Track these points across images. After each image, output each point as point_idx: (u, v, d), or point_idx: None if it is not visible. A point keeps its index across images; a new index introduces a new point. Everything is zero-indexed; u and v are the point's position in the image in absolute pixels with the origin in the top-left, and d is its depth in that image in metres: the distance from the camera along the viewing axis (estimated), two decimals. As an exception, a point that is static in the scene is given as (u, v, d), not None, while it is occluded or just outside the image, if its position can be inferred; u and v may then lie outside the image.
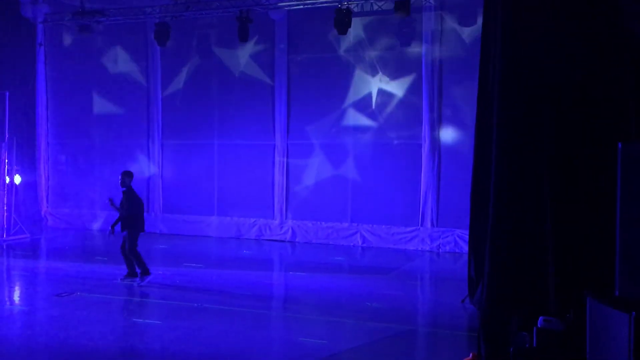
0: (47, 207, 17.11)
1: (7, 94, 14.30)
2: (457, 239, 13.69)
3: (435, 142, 14.08)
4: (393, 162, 14.48)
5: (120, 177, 10.09)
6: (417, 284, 11.56)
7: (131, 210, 9.95)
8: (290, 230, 15.12)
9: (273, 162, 15.29)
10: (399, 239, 14.31)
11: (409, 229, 14.29)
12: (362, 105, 14.64)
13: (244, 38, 14.08)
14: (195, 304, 8.94)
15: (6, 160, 14.40)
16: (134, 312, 9.11)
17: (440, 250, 13.98)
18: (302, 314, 8.69)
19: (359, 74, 14.64)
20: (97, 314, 8.59)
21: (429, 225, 14.15)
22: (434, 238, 14.09)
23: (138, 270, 10.08)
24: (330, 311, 8.69)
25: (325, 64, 14.87)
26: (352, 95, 14.70)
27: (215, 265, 12.07)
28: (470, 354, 5.83)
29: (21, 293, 10.15)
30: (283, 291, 10.66)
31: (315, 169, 15.04)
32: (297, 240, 15.01)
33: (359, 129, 14.69)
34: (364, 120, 14.65)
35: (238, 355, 6.86)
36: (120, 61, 16.44)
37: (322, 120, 14.91)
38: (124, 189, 10.01)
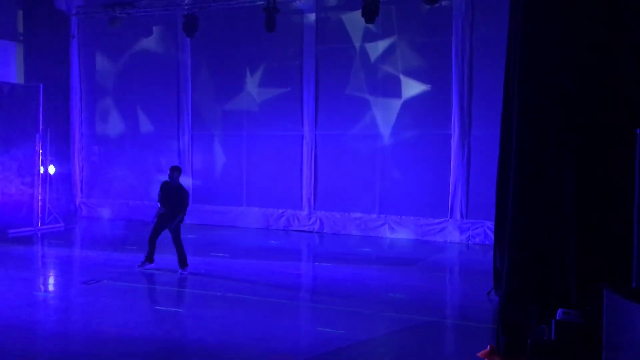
0: (81, 197, 17.47)
1: (41, 86, 14.61)
2: (487, 230, 13.46)
3: (465, 132, 13.86)
4: (422, 153, 14.32)
5: (170, 172, 10.17)
6: (443, 275, 11.43)
7: (181, 211, 10.11)
8: (318, 221, 15.12)
9: (301, 153, 15.29)
10: (427, 231, 14.16)
11: (437, 220, 14.13)
12: (391, 95, 14.49)
13: (271, 28, 14.07)
14: (219, 293, 9.00)
15: (40, 151, 14.72)
16: (157, 299, 9.24)
17: (469, 242, 13.79)
18: (324, 304, 8.68)
19: (387, 64, 14.49)
20: (122, 301, 8.73)
21: (458, 216, 13.96)
22: (463, 230, 13.89)
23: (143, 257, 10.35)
24: (353, 302, 8.65)
25: (354, 54, 14.77)
26: (381, 86, 14.57)
27: (242, 255, 12.14)
28: (488, 346, 5.72)
29: (52, 280, 10.39)
30: (308, 281, 10.66)
31: (343, 160, 14.97)
32: (324, 231, 15.00)
33: (387, 120, 14.55)
34: (393, 111, 14.50)
35: (255, 343, 6.88)
36: (149, 52, 16.63)
37: (350, 111, 14.81)
38: (174, 184, 10.12)
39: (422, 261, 11.94)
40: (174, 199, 10.10)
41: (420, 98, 14.30)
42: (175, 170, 10.18)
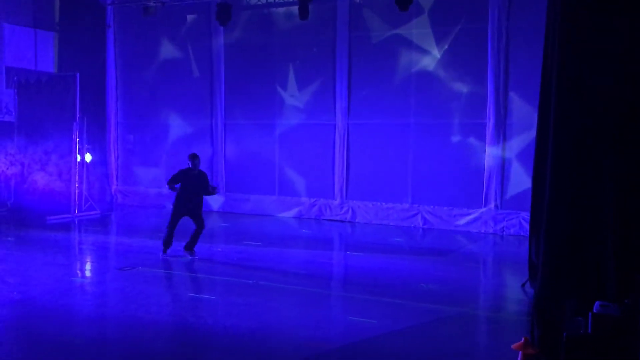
0: (116, 185, 17.75)
1: (78, 75, 14.83)
2: (523, 221, 13.25)
3: (500, 121, 13.63)
4: (456, 142, 14.15)
5: (192, 159, 10.26)
6: (476, 266, 11.30)
7: (207, 194, 10.28)
8: (350, 211, 15.08)
9: (333, 142, 15.24)
10: (460, 221, 14.00)
11: (471, 210, 13.96)
12: (425, 83, 14.32)
13: (304, 16, 14.00)
14: (251, 281, 9.05)
15: (77, 139, 14.98)
16: (190, 286, 9.33)
17: (504, 233, 13.59)
18: (355, 294, 8.66)
19: (421, 52, 14.32)
20: (156, 288, 8.86)
21: (492, 207, 13.77)
22: (497, 220, 13.70)
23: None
24: (384, 292, 8.61)
25: (387, 42, 14.62)
26: (415, 74, 14.40)
27: (275, 244, 12.19)
28: (522, 339, 5.63)
29: (88, 266, 10.59)
30: (339, 271, 10.65)
31: (375, 149, 14.88)
32: (356, 220, 14.96)
33: (420, 108, 14.40)
34: (426, 99, 14.34)
35: (287, 331, 6.90)
36: (183, 41, 16.74)
37: (383, 100, 14.69)
38: (195, 170, 10.20)
39: (455, 252, 11.83)
40: (196, 184, 10.19)
41: (455, 86, 14.10)
42: (196, 158, 10.27)
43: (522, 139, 13.42)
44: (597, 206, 5.92)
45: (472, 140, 13.99)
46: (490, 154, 13.72)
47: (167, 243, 10.39)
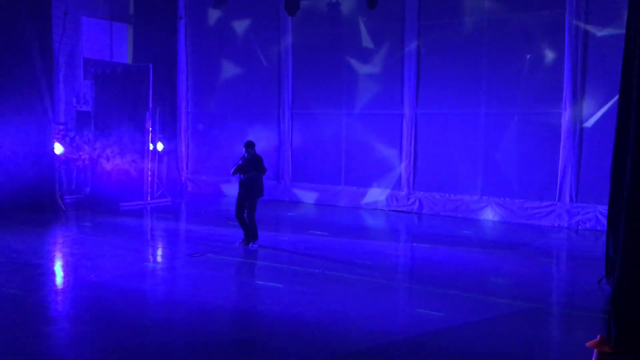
0: (187, 173, 18.19)
1: (151, 66, 15.24)
2: (599, 215, 12.73)
3: (577, 113, 13.10)
4: (529, 132, 13.70)
5: (245, 147, 10.37)
6: (549, 261, 10.93)
7: (255, 176, 10.25)
8: (417, 202, 14.89)
9: (401, 132, 15.07)
10: (533, 214, 13.58)
11: (544, 203, 13.51)
12: (497, 72, 13.91)
13: (373, 5, 13.87)
14: (317, 270, 9.08)
15: (150, 129, 15.42)
16: (257, 274, 9.45)
17: (579, 227, 13.09)
18: (422, 286, 8.54)
19: (494, 41, 13.91)
20: (224, 274, 9.02)
21: (567, 200, 13.28)
22: (572, 214, 13.20)
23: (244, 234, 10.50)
24: (452, 284, 8.44)
25: (458, 31, 14.29)
26: (486, 64, 14.02)
27: (340, 234, 12.18)
28: (598, 336, 5.39)
29: (159, 252, 10.91)
30: (405, 262, 10.53)
31: (444, 140, 14.61)
32: (424, 212, 14.75)
33: (493, 98, 14.01)
34: (499, 90, 13.93)
35: (353, 321, 6.88)
36: (252, 32, 16.92)
37: (453, 89, 14.39)
38: (249, 156, 10.30)
39: (526, 245, 11.48)
40: (247, 168, 10.25)
41: (529, 75, 13.65)
42: (250, 146, 10.33)
43: (600, 129, 12.84)
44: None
45: (546, 130, 13.50)
46: (566, 144, 13.21)
47: (248, 234, 10.51)
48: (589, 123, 13.07)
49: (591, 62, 12.96)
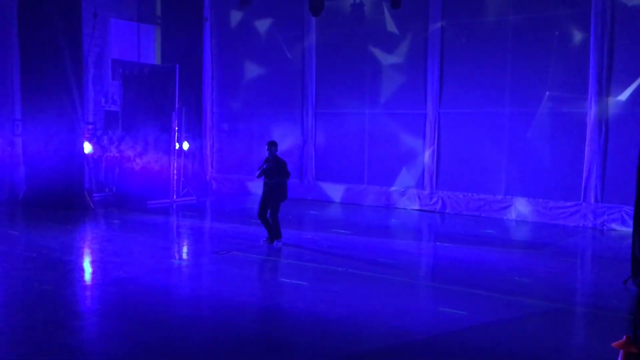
0: (212, 172, 18.39)
1: (177, 66, 15.45)
2: (625, 215, 12.61)
3: (602, 111, 12.97)
4: (553, 131, 13.60)
5: (267, 146, 10.49)
6: (574, 261, 10.85)
7: (280, 178, 10.36)
8: (440, 201, 14.87)
9: (424, 131, 15.06)
10: (557, 214, 13.49)
11: (569, 203, 13.41)
12: (522, 71, 13.83)
13: (396, 4, 13.89)
14: (340, 269, 9.15)
15: (176, 128, 15.63)
16: (282, 272, 9.55)
17: (604, 227, 12.97)
18: (445, 285, 8.55)
19: (518, 38, 13.83)
20: (249, 272, 9.14)
21: (592, 200, 13.16)
22: (597, 214, 13.08)
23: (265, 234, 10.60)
24: (475, 284, 8.45)
25: (482, 28, 14.24)
26: (510, 62, 13.94)
27: (363, 232, 12.24)
28: (624, 337, 5.37)
29: (186, 249, 11.07)
30: (428, 261, 10.55)
31: (467, 139, 14.57)
32: (446, 211, 14.73)
33: (516, 96, 13.93)
34: (522, 88, 13.85)
35: (376, 319, 6.93)
36: (276, 32, 17.04)
37: (476, 89, 14.34)
38: (271, 157, 10.40)
39: (550, 245, 11.41)
40: (274, 175, 10.35)
41: (554, 74, 13.54)
42: (273, 145, 10.45)
43: (627, 128, 12.70)
44: None
45: (571, 129, 13.40)
46: (591, 143, 13.09)
47: (273, 233, 10.61)
48: (614, 123, 12.91)
49: (617, 62, 12.81)
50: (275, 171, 10.34)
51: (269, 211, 10.45)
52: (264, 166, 10.38)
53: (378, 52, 15.59)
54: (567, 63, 13.38)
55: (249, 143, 17.60)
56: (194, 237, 12.11)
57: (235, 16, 17.56)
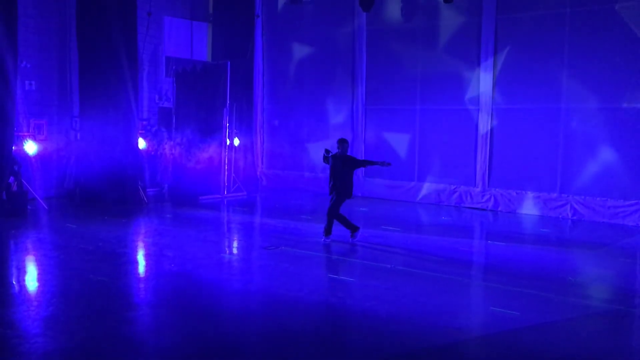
0: (262, 167, 18.55)
1: (229, 63, 15.63)
2: (689, 216, 12.08)
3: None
4: (612, 128, 13.12)
5: (338, 144, 10.51)
6: (633, 261, 10.42)
7: (345, 176, 10.40)
8: (492, 199, 14.59)
9: (476, 127, 14.79)
10: (615, 213, 13.03)
11: (628, 202, 12.94)
12: (578, 67, 13.40)
13: (448, -1, 13.69)
14: (389, 265, 9.09)
15: (227, 124, 15.83)
16: (330, 268, 9.55)
17: (666, 227, 12.47)
18: (496, 283, 8.37)
19: (576, 32, 13.41)
20: (297, 267, 9.16)
21: (654, 199, 12.66)
22: (658, 214, 12.58)
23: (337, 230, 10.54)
24: (528, 283, 8.24)
25: (538, 22, 13.86)
26: (567, 56, 13.53)
27: (413, 229, 12.12)
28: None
29: (235, 244, 11.21)
30: (480, 259, 10.34)
31: (521, 135, 14.23)
32: (499, 209, 14.44)
33: (573, 92, 13.51)
34: (579, 83, 13.42)
35: (426, 317, 6.84)
36: (327, 28, 17.02)
37: (532, 84, 13.98)
38: (340, 153, 10.42)
39: (608, 245, 11.04)
40: (335, 168, 10.36)
41: (611, 69, 13.05)
42: (343, 142, 10.49)
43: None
44: None
45: (630, 126, 12.91)
46: (652, 141, 12.59)
47: (351, 227, 10.65)
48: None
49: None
50: (339, 167, 10.34)
51: (329, 204, 10.47)
52: (333, 163, 10.39)
53: (430, 49, 15.38)
54: (625, 57, 12.87)
55: (299, 139, 17.67)
56: (243, 232, 12.24)
57: (286, 12, 17.64)
